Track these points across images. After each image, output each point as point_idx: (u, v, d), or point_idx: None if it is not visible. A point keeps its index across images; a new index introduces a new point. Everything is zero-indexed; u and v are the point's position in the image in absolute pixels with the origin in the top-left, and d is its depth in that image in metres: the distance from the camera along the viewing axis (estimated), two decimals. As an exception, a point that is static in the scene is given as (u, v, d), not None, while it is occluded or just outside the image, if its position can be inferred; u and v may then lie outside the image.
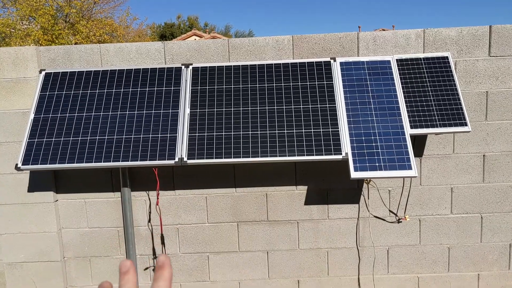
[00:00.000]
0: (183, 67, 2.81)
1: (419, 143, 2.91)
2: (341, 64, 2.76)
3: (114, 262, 3.05)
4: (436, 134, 2.75)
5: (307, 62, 2.78)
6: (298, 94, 2.68)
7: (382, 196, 2.96)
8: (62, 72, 2.81)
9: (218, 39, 2.96)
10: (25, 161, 2.55)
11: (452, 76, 2.70)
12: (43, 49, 2.90)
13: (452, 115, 2.60)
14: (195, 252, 3.03)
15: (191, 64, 2.81)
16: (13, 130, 2.89)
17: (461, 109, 2.61)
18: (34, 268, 3.01)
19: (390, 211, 2.98)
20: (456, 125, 2.57)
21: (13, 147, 2.90)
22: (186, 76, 2.78)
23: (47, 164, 2.53)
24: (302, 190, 2.96)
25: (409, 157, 2.46)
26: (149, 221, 2.99)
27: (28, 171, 2.90)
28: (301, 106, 2.65)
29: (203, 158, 2.52)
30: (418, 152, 2.92)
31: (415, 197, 2.96)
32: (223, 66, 2.80)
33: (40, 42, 12.10)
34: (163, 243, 2.99)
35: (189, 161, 2.52)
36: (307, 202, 2.97)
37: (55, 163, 2.53)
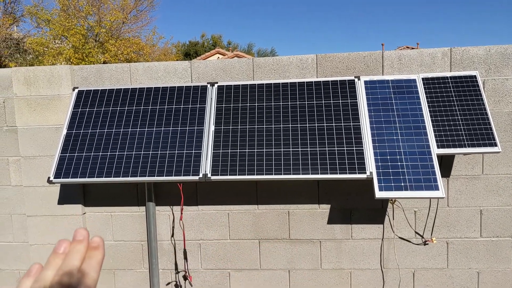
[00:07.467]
0: (208, 85, 2.88)
1: (446, 163, 2.84)
2: (366, 82, 2.76)
3: (137, 275, 3.09)
4: (464, 154, 2.68)
5: (331, 81, 2.80)
6: (322, 112, 2.69)
7: (408, 217, 2.90)
8: (93, 89, 2.94)
9: (243, 58, 3.03)
10: (57, 175, 2.64)
11: (481, 95, 2.65)
12: (76, 68, 3.04)
13: (481, 135, 2.54)
14: (217, 268, 3.03)
15: (217, 83, 2.88)
16: (46, 144, 3.02)
17: (490, 128, 2.55)
18: (60, 280, 3.07)
19: (416, 232, 2.90)
20: (485, 145, 2.51)
21: (45, 161, 3.02)
22: (212, 94, 2.84)
23: (77, 178, 2.62)
24: (325, 209, 2.93)
25: (436, 177, 2.41)
26: (172, 235, 3.03)
27: (59, 184, 3.00)
28: (325, 124, 2.65)
29: (226, 175, 2.55)
30: (445, 173, 2.85)
31: (442, 218, 2.88)
32: (247, 85, 2.85)
33: (71, 60, 12.66)
34: (185, 258, 3.00)
35: (213, 177, 2.55)
36: (330, 221, 2.94)
37: (85, 177, 2.62)
